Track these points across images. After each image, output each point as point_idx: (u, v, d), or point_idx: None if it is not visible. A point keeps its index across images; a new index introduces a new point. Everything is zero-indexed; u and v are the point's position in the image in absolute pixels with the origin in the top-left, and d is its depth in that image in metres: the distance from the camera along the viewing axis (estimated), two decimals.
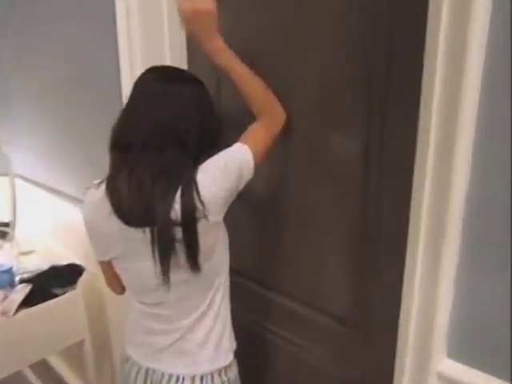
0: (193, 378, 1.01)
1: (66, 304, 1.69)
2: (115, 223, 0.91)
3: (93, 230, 1.01)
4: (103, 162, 1.66)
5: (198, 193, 0.86)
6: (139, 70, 1.28)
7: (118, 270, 1.04)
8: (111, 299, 1.76)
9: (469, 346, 0.81)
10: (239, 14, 1.13)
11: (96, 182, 0.99)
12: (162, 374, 1.03)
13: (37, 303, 1.60)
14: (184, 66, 1.34)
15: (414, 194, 0.80)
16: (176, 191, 0.87)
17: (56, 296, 1.65)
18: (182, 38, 1.33)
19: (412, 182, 0.80)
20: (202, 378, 1.01)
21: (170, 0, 1.27)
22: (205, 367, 1.02)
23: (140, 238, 0.90)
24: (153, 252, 0.90)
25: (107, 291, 1.74)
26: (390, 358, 0.92)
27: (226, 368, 1.04)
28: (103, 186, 0.94)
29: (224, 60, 0.97)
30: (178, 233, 0.88)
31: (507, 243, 0.72)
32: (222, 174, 0.89)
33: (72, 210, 1.85)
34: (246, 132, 0.98)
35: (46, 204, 2.06)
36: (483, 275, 0.76)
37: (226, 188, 0.90)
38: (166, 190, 0.87)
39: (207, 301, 1.00)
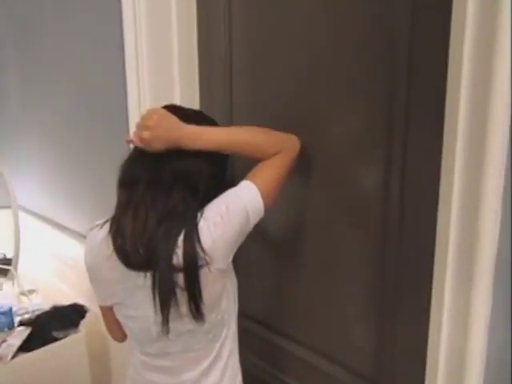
0: None
1: (68, 348, 1.62)
2: (116, 266, 0.87)
3: (93, 273, 0.96)
4: (109, 197, 1.64)
5: (198, 240, 0.82)
6: (147, 101, 1.28)
7: (119, 317, 0.98)
8: (116, 343, 1.69)
9: None
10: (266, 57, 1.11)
11: (99, 222, 0.95)
12: None
13: (36, 347, 1.53)
14: (195, 90, 1.32)
15: (437, 246, 0.74)
16: (179, 235, 0.83)
17: (56, 340, 1.58)
18: (191, 61, 1.31)
19: (435, 233, 0.75)
20: None
21: (179, 24, 1.26)
22: None
23: (141, 283, 0.86)
24: (154, 299, 0.85)
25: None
26: None
27: None
28: (106, 226, 0.91)
29: (206, 141, 0.88)
30: (181, 279, 0.83)
31: None
32: (224, 219, 0.84)
33: (76, 247, 1.81)
34: (253, 169, 0.92)
35: (49, 239, 2.02)
36: None
37: (229, 234, 0.84)
38: (169, 233, 0.83)
39: (213, 353, 0.94)
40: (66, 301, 1.72)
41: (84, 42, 1.59)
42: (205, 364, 0.93)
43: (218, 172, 0.92)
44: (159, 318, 0.85)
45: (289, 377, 1.18)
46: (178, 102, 1.30)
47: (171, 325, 0.86)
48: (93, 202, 1.73)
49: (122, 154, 1.40)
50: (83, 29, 1.57)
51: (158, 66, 1.28)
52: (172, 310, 0.84)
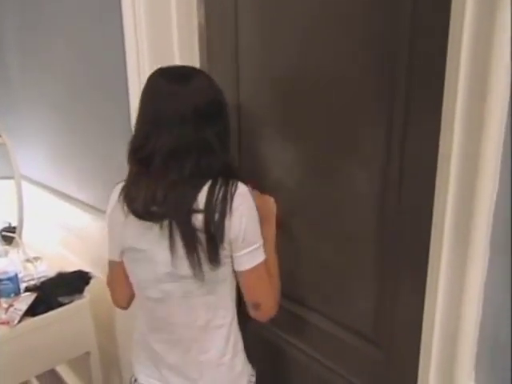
0: None
1: (73, 313, 1.70)
2: (133, 218, 0.98)
3: (111, 221, 1.07)
4: (112, 166, 1.67)
5: (231, 196, 0.94)
6: (146, 68, 1.30)
7: (127, 265, 1.08)
8: (121, 311, 1.76)
9: (499, 372, 0.76)
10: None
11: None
12: None
13: (42, 312, 1.61)
14: (196, 56, 1.34)
15: (434, 216, 0.76)
16: (200, 189, 0.94)
17: (62, 305, 1.66)
18: (191, 27, 1.32)
19: (433, 202, 0.78)
20: None
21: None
22: None
23: (157, 230, 0.96)
24: (171, 243, 0.95)
25: None
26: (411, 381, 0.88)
27: None
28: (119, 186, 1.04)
29: (272, 244, 1.08)
30: (200, 223, 0.93)
31: None
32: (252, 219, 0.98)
33: (81, 216, 1.87)
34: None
35: (54, 209, 2.08)
36: None
37: (249, 225, 0.96)
38: (192, 186, 0.94)
39: (211, 308, 1.02)
40: (70, 268, 1.78)
41: (83, 12, 1.60)
42: (202, 319, 1.02)
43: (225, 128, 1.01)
44: (178, 260, 0.95)
45: (294, 337, 1.24)
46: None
47: (179, 263, 0.96)
48: (96, 171, 1.77)
49: (123, 122, 1.44)
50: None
51: (156, 33, 1.29)
52: (183, 253, 0.94)
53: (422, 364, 0.84)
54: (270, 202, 1.14)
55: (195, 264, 0.94)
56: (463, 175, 0.71)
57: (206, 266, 0.95)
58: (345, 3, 0.94)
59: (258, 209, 1.00)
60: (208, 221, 0.92)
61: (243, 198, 0.96)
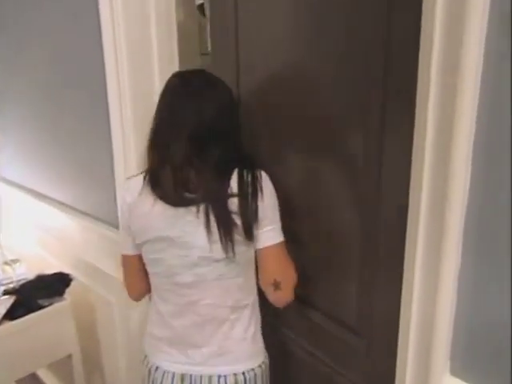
0: (236, 378, 1.11)
1: (53, 316, 1.69)
2: (163, 207, 1.05)
3: (134, 210, 1.10)
4: (89, 166, 1.67)
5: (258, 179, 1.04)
6: (125, 68, 1.30)
7: (150, 255, 1.12)
8: (102, 310, 1.76)
9: (474, 362, 0.78)
10: None
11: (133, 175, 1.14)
12: (200, 377, 1.12)
13: (22, 315, 1.59)
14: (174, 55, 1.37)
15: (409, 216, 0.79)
16: (231, 174, 1.04)
17: (42, 308, 1.65)
18: (170, 30, 1.33)
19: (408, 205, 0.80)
20: (245, 376, 1.12)
21: None
22: (242, 364, 1.12)
23: (192, 215, 1.03)
24: (207, 226, 1.02)
25: (98, 302, 1.75)
26: (390, 371, 0.90)
27: (262, 366, 1.15)
28: (140, 176, 1.10)
29: None
30: (234, 206, 1.02)
31: None
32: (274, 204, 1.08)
33: (59, 217, 1.85)
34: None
35: (32, 210, 2.06)
36: (489, 284, 0.74)
37: (272, 205, 1.07)
38: (223, 171, 1.04)
39: (240, 289, 1.11)
40: (50, 270, 1.77)
41: (60, 11, 1.58)
42: (232, 299, 1.10)
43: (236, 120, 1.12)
44: (213, 244, 1.02)
45: (281, 324, 1.28)
46: (156, 67, 1.32)
47: (214, 247, 1.03)
48: (74, 171, 1.76)
49: (102, 122, 1.44)
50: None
51: (135, 32, 1.30)
52: (217, 237, 1.02)
53: (400, 355, 0.86)
54: None
55: (228, 246, 1.02)
56: (436, 175, 0.73)
57: (240, 248, 1.04)
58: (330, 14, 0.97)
59: None
60: (242, 204, 1.02)
61: (268, 182, 1.07)
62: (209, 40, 2.23)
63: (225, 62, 1.25)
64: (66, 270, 1.77)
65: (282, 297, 1.11)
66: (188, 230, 1.04)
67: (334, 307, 1.13)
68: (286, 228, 1.12)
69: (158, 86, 1.34)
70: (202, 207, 1.02)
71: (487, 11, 0.65)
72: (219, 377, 1.11)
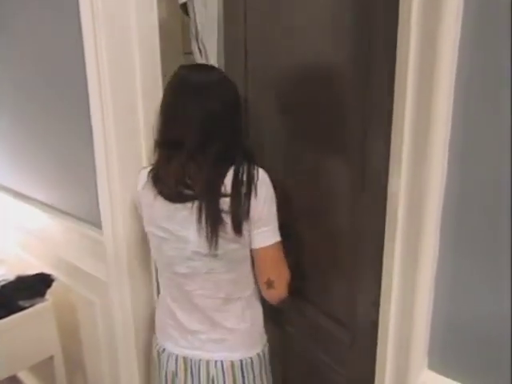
0: (232, 364, 1.19)
1: (35, 317, 1.67)
2: (163, 202, 1.12)
3: (143, 199, 1.19)
4: (71, 166, 1.66)
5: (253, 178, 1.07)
6: (105, 70, 1.29)
7: (153, 242, 1.20)
8: (84, 311, 1.75)
9: (451, 356, 0.80)
10: None
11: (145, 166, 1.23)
12: (199, 361, 1.21)
13: (2, 317, 1.58)
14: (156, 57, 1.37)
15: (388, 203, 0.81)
16: (226, 173, 1.08)
17: (23, 309, 1.63)
18: (152, 27, 1.33)
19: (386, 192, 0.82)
20: (242, 363, 1.20)
21: None
22: (239, 353, 1.20)
23: (187, 212, 1.09)
24: (199, 223, 1.07)
25: (80, 302, 1.74)
26: (371, 365, 0.92)
27: (260, 354, 1.23)
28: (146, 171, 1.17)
29: None
30: (226, 205, 1.06)
31: (491, 247, 0.72)
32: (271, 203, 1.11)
33: (41, 217, 1.83)
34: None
35: (13, 210, 2.04)
36: (465, 280, 0.76)
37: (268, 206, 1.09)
38: (218, 169, 1.08)
39: (232, 284, 1.16)
40: (31, 271, 1.75)
41: (41, 11, 1.57)
42: (223, 292, 1.16)
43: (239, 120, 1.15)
44: (202, 239, 1.08)
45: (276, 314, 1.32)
46: (137, 66, 1.32)
47: (204, 243, 1.08)
48: (55, 171, 1.74)
49: (83, 121, 1.43)
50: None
51: (115, 28, 1.29)
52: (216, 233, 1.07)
53: (379, 350, 0.88)
54: None
55: (212, 243, 1.07)
56: (413, 176, 0.75)
57: (230, 245, 1.09)
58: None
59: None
60: (234, 203, 1.06)
61: (265, 182, 1.09)
62: (192, 39, 2.24)
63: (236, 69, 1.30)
64: (47, 271, 1.75)
65: (275, 294, 1.16)
66: (183, 224, 1.10)
67: (324, 300, 1.18)
68: (289, 226, 1.17)
69: (139, 85, 1.34)
70: (196, 204, 1.07)
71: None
72: (216, 362, 1.19)
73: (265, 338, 1.27)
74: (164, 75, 1.39)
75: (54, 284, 1.72)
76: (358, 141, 0.96)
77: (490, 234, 0.72)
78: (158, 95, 1.39)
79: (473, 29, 0.68)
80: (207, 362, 1.20)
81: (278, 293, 1.15)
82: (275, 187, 1.10)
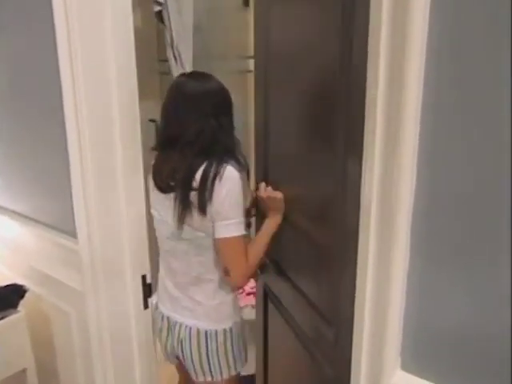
0: (198, 332, 1.41)
1: (7, 329, 1.64)
2: (157, 192, 1.39)
3: (150, 188, 1.46)
4: (47, 176, 1.64)
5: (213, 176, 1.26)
6: (80, 81, 1.29)
7: (154, 222, 1.47)
8: (58, 322, 1.73)
9: (423, 357, 0.83)
10: None
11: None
12: (176, 322, 1.46)
13: None
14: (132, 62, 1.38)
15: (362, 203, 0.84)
16: (197, 170, 1.28)
17: None
18: (127, 35, 1.34)
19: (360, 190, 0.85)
20: (206, 333, 1.41)
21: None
22: (206, 324, 1.41)
23: (168, 200, 1.34)
24: (174, 209, 1.31)
25: (53, 312, 1.72)
26: (348, 364, 0.94)
27: (226, 329, 1.43)
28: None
29: (271, 230, 1.37)
30: (194, 198, 1.27)
31: (459, 247, 0.75)
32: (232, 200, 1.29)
33: (11, 225, 1.81)
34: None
35: None
36: (435, 280, 0.79)
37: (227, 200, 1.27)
38: (191, 168, 1.28)
39: (205, 265, 1.38)
40: (3, 282, 1.72)
41: (16, 26, 1.56)
42: (196, 271, 1.39)
43: (227, 139, 1.34)
44: (175, 223, 1.33)
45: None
46: (112, 73, 1.32)
47: (179, 230, 1.33)
48: (28, 181, 1.73)
49: (57, 133, 1.43)
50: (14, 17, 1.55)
51: (90, 35, 1.29)
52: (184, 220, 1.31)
53: (354, 350, 0.90)
54: (277, 198, 1.33)
55: (179, 228, 1.33)
56: (384, 181, 0.79)
57: (198, 233, 1.32)
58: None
59: (266, 203, 1.36)
60: (199, 196, 1.25)
61: (231, 179, 1.26)
62: (167, 46, 2.26)
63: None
64: (19, 281, 1.73)
65: (231, 281, 1.37)
66: (167, 210, 1.35)
67: (312, 294, 1.21)
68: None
69: (115, 92, 1.34)
70: (174, 194, 1.31)
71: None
72: (186, 326, 1.43)
73: (235, 318, 1.46)
74: (138, 82, 1.41)
75: (27, 295, 1.70)
76: (341, 155, 1.00)
77: (458, 239, 0.75)
78: (134, 102, 1.40)
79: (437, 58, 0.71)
80: (180, 325, 1.45)
81: (233, 281, 1.36)
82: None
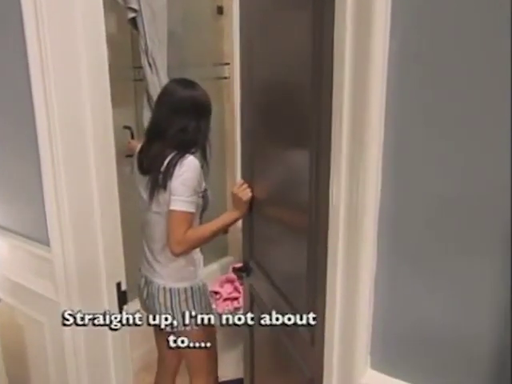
0: (164, 289, 1.73)
1: None
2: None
3: (135, 169, 1.82)
4: (20, 181, 1.63)
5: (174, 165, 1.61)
6: (52, 91, 1.29)
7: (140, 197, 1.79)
8: (31, 332, 1.71)
9: (391, 355, 0.86)
10: None
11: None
12: (151, 282, 1.78)
13: None
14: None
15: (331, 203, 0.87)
16: (166, 158, 1.62)
17: None
18: (99, 43, 1.35)
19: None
20: (170, 290, 1.73)
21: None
22: (169, 282, 1.73)
23: (145, 180, 1.70)
24: (148, 188, 1.67)
25: (26, 323, 1.70)
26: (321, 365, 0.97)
27: (187, 288, 1.73)
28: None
29: (224, 222, 1.68)
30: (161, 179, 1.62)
31: (424, 249, 0.78)
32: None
33: None
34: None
35: None
36: (401, 281, 0.82)
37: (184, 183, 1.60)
38: (162, 156, 1.63)
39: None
40: None
41: None
42: (163, 240, 1.68)
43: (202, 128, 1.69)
44: (147, 197, 1.68)
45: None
46: (85, 81, 1.33)
47: (150, 205, 1.69)
48: (1, 191, 1.71)
49: (28, 141, 1.42)
50: None
51: (61, 41, 1.29)
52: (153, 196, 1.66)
53: (326, 351, 0.93)
54: (242, 199, 1.57)
55: (151, 202, 1.67)
56: (351, 184, 0.82)
57: (165, 208, 1.63)
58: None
59: (232, 198, 1.62)
60: (163, 176, 1.60)
61: (188, 166, 1.59)
62: (142, 53, 2.26)
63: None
64: None
65: (169, 247, 1.63)
66: (144, 188, 1.70)
67: (291, 296, 1.26)
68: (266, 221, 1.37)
69: (87, 99, 1.34)
70: (149, 176, 1.66)
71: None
72: (155, 284, 1.76)
73: (197, 279, 1.77)
74: (113, 88, 1.41)
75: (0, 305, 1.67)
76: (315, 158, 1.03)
77: (424, 240, 0.79)
78: (107, 108, 1.41)
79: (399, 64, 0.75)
80: (151, 283, 1.78)
81: (170, 248, 1.63)
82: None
